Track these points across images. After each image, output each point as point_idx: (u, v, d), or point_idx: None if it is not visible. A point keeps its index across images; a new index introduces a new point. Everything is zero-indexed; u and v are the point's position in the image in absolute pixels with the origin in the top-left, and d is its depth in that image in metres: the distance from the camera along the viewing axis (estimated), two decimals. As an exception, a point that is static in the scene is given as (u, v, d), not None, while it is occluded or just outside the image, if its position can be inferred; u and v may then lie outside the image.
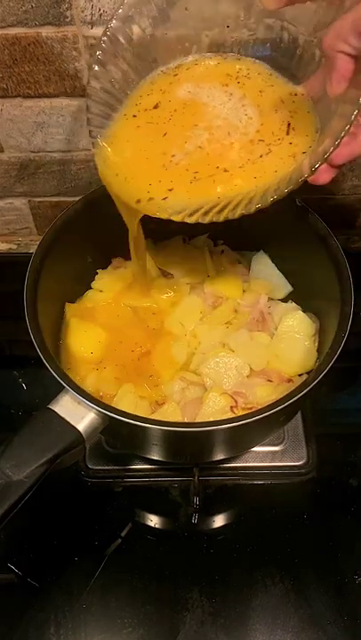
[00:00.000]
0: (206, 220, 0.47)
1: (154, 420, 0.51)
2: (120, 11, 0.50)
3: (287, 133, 0.50)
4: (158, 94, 0.53)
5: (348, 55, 0.41)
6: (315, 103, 0.51)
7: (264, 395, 0.61)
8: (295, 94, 0.52)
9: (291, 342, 0.65)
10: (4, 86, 0.65)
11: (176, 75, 0.54)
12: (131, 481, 0.67)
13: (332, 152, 0.43)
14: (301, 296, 0.70)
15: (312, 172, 0.44)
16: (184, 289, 0.69)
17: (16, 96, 0.66)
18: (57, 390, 0.52)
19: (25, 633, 0.58)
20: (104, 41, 0.51)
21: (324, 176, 0.48)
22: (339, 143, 0.43)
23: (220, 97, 0.53)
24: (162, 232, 0.74)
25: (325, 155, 0.43)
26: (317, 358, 0.63)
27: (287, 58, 0.52)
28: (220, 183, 0.49)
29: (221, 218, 0.47)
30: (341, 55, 0.41)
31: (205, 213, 0.47)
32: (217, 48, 0.54)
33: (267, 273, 0.72)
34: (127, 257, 0.73)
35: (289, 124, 0.50)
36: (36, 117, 0.69)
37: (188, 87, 0.53)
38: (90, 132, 0.52)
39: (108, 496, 0.66)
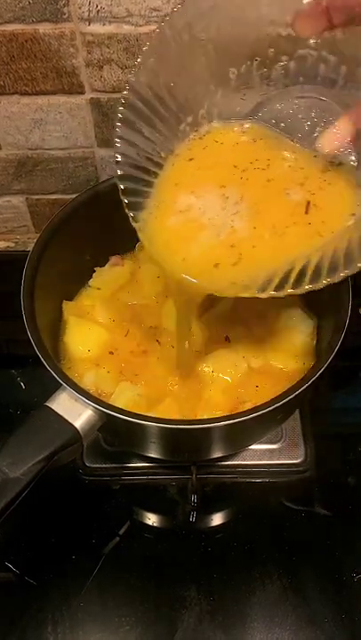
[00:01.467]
0: (281, 294, 0.41)
1: (151, 417, 0.51)
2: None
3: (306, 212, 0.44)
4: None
5: None
6: None
7: (262, 392, 0.61)
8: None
9: (288, 339, 0.65)
10: (2, 83, 0.65)
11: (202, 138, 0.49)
12: (128, 479, 0.67)
13: None
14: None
15: None
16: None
17: (13, 93, 0.66)
18: (55, 388, 0.52)
19: (22, 631, 0.58)
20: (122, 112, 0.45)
21: None
22: None
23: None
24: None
25: None
26: (315, 356, 0.63)
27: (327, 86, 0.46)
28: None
29: (299, 291, 0.41)
30: None
31: (279, 286, 0.41)
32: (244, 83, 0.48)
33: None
34: (124, 255, 0.74)
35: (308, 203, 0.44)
36: (34, 114, 0.69)
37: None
38: (131, 217, 0.47)
39: (106, 494, 0.66)
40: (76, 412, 0.50)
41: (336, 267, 0.40)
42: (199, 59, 0.47)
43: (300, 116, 0.48)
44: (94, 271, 0.73)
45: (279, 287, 0.42)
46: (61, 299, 0.69)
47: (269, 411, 0.49)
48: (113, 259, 0.73)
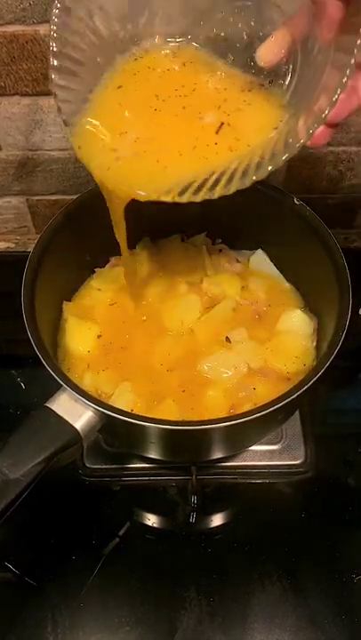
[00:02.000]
0: (198, 197, 0.44)
1: (151, 418, 0.51)
2: None
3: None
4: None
5: None
6: (300, 52, 0.45)
7: (262, 393, 0.61)
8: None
9: (289, 341, 0.65)
10: (2, 84, 0.65)
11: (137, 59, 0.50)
12: (128, 480, 0.67)
13: (330, 111, 0.40)
14: (300, 294, 0.70)
15: (310, 136, 0.41)
16: (182, 287, 0.69)
17: (14, 94, 0.66)
18: (55, 389, 0.52)
19: (22, 632, 0.58)
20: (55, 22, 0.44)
21: (320, 138, 0.44)
22: (336, 99, 0.39)
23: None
24: (160, 230, 0.74)
25: (323, 114, 0.40)
26: (316, 357, 0.63)
27: None
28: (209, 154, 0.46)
29: (215, 194, 0.43)
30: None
31: (197, 190, 0.44)
32: None
33: (265, 271, 0.72)
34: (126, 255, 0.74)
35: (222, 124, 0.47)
36: (34, 115, 0.69)
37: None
38: (64, 120, 0.47)
39: (106, 495, 0.66)
40: (76, 413, 0.50)
41: (247, 172, 0.43)
42: None
43: (239, 25, 0.48)
44: (94, 272, 0.73)
45: (197, 191, 0.44)
46: (61, 299, 0.69)
47: (270, 412, 0.50)
48: (113, 259, 0.73)
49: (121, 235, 0.58)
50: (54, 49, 0.45)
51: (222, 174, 0.44)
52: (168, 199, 0.46)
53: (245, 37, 0.48)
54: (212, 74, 0.50)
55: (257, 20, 0.47)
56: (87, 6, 0.46)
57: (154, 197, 0.46)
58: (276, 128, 0.46)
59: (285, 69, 0.47)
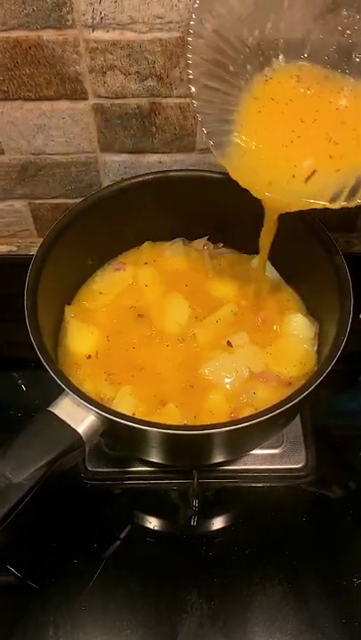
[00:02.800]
0: (353, 203, 0.48)
1: (153, 422, 0.51)
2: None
3: None
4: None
5: None
6: None
7: (263, 397, 0.61)
8: None
9: (290, 345, 0.65)
10: (5, 89, 0.65)
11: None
12: (130, 483, 0.67)
13: None
14: (301, 299, 0.70)
15: None
16: (184, 291, 0.70)
17: (17, 99, 0.67)
18: (56, 392, 0.52)
19: (24, 635, 0.58)
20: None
21: None
22: None
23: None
24: (161, 233, 0.74)
25: None
26: (317, 361, 0.64)
27: None
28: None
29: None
30: None
31: (351, 195, 0.48)
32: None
33: (267, 276, 0.72)
34: (127, 259, 0.74)
35: None
36: (37, 120, 0.69)
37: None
38: (212, 146, 0.52)
39: (108, 498, 0.66)
40: (78, 417, 0.50)
41: None
42: None
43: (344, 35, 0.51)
44: (97, 275, 0.73)
45: (349, 198, 0.49)
46: (63, 302, 0.69)
47: (271, 417, 0.50)
48: (115, 263, 0.74)
49: (266, 240, 0.62)
50: (190, 65, 0.50)
51: None
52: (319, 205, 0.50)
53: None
54: (337, 91, 0.54)
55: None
56: (217, 10, 0.50)
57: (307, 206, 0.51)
58: None
59: None
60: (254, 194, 0.53)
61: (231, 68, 0.53)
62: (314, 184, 0.51)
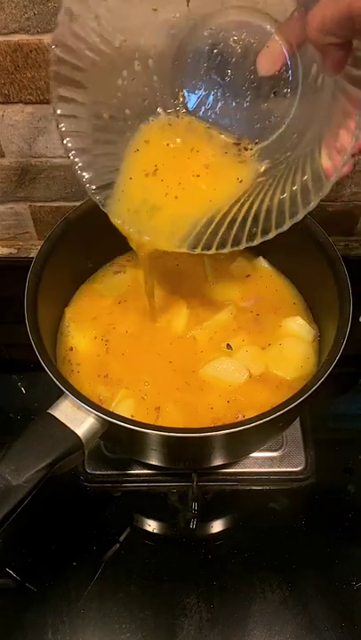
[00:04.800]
0: (210, 251, 0.48)
1: (152, 425, 0.51)
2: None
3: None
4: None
5: (338, 45, 0.36)
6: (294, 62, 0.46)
7: (263, 400, 0.61)
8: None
9: (290, 348, 0.65)
10: (6, 92, 0.66)
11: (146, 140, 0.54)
12: (129, 486, 0.67)
13: (353, 147, 0.40)
14: (301, 302, 0.70)
15: (340, 173, 0.41)
16: (183, 294, 0.70)
17: (18, 102, 0.67)
18: (56, 394, 0.52)
19: (23, 638, 0.58)
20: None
21: (347, 168, 0.43)
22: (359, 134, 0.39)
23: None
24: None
25: (347, 152, 0.40)
26: (316, 364, 0.64)
27: None
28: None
29: (226, 249, 0.48)
30: (331, 47, 0.36)
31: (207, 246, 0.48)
32: None
33: (266, 279, 0.72)
34: (126, 262, 0.74)
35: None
36: (38, 123, 0.69)
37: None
38: (97, 198, 0.52)
39: (107, 501, 0.66)
40: (78, 420, 0.50)
41: (283, 218, 0.47)
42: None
43: (232, 39, 0.49)
44: (96, 277, 0.73)
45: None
46: (63, 305, 0.70)
47: (270, 419, 0.50)
48: (115, 265, 0.74)
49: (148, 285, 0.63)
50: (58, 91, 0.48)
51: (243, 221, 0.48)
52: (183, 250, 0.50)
53: (240, 51, 0.49)
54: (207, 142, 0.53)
55: (249, 33, 0.48)
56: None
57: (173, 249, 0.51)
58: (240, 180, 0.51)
59: (286, 86, 0.48)
60: (131, 238, 0.54)
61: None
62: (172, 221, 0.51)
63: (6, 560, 0.62)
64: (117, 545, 0.63)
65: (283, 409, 0.50)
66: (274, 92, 0.49)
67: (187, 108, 0.53)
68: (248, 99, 0.51)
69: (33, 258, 0.61)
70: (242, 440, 0.57)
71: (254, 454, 0.67)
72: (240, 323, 0.68)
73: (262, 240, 0.47)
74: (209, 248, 0.48)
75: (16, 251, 0.89)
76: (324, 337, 0.64)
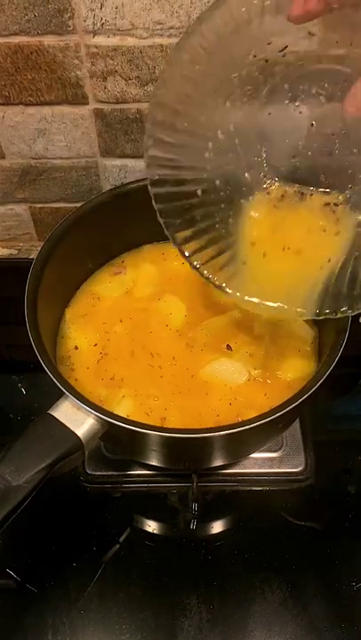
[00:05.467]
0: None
1: (153, 426, 0.51)
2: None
3: None
4: None
5: None
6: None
7: (263, 400, 0.61)
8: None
9: (290, 348, 0.65)
10: (7, 94, 0.66)
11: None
12: (129, 486, 0.67)
13: None
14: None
15: None
16: (184, 294, 0.70)
17: (18, 103, 0.67)
18: (56, 395, 0.52)
19: (23, 638, 0.58)
20: None
21: None
22: None
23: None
24: (161, 237, 0.74)
25: None
26: (316, 364, 0.64)
27: None
28: None
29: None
30: None
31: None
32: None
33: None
34: (126, 263, 0.74)
35: None
36: (38, 124, 0.69)
37: None
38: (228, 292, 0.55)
39: (107, 501, 0.66)
40: (78, 421, 0.50)
41: None
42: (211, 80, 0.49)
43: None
44: (96, 278, 0.73)
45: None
46: (63, 306, 0.70)
47: (270, 420, 0.50)
48: (115, 266, 0.74)
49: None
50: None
51: None
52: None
53: (323, 100, 0.49)
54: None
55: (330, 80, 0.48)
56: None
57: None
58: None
59: None
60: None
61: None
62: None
63: (6, 560, 0.62)
64: (117, 545, 0.63)
65: (282, 410, 0.50)
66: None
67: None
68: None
69: (33, 259, 0.61)
70: (242, 441, 0.57)
71: (254, 455, 0.67)
72: (240, 323, 0.68)
73: None
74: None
75: (16, 252, 0.89)
76: (323, 338, 0.64)
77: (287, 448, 0.68)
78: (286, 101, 0.49)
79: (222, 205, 0.53)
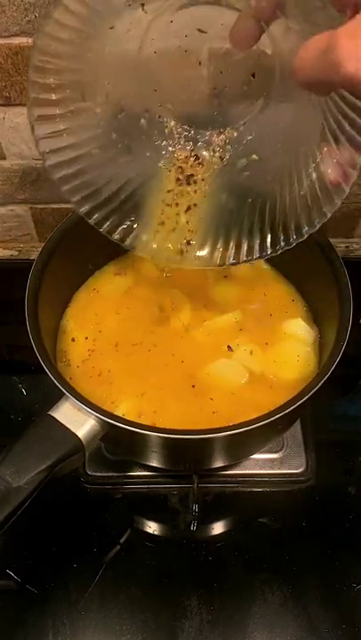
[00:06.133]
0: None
1: (153, 427, 0.51)
2: None
3: None
4: None
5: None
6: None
7: (263, 401, 0.61)
8: None
9: (290, 349, 0.65)
10: (7, 95, 0.66)
11: None
12: (130, 487, 0.67)
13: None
14: (301, 303, 0.70)
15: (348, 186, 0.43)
16: (183, 295, 0.70)
17: (18, 104, 0.67)
18: (57, 396, 0.52)
19: (23, 639, 0.58)
20: None
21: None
22: None
23: None
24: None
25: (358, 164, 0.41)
26: (317, 366, 0.64)
27: None
28: None
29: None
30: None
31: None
32: None
33: (267, 281, 0.72)
34: (126, 264, 0.74)
35: None
36: (39, 125, 0.69)
37: None
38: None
39: (107, 502, 0.66)
40: (78, 422, 0.50)
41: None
42: None
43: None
44: (97, 279, 0.73)
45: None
46: (64, 307, 0.70)
47: (271, 421, 0.50)
48: (115, 268, 0.74)
49: None
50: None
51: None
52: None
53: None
54: None
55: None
56: None
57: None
58: None
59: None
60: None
61: None
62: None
63: (7, 562, 0.62)
64: (118, 547, 0.64)
65: (283, 411, 0.50)
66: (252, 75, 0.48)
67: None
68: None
69: (34, 260, 0.61)
70: (242, 442, 0.57)
71: (255, 456, 0.67)
72: (240, 324, 0.68)
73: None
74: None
75: (17, 253, 0.89)
76: (324, 338, 0.64)
77: (288, 449, 0.68)
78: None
79: (122, 160, 0.53)
